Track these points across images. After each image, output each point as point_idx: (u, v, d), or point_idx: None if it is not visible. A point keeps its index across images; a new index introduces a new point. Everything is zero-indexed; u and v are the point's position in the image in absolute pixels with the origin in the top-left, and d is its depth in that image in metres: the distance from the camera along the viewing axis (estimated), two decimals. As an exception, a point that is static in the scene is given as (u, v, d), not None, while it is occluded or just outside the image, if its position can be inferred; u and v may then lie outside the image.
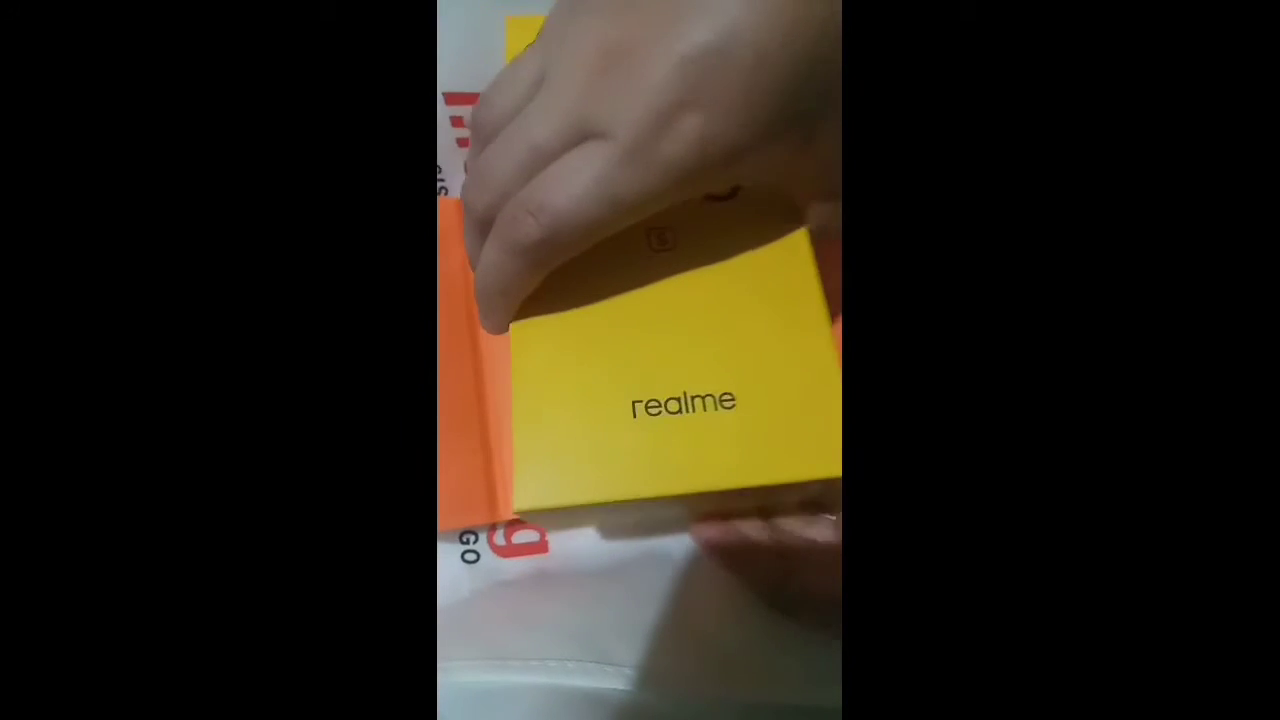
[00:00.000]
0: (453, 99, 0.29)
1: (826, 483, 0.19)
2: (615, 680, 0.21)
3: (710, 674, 0.21)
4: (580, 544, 0.25)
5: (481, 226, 0.20)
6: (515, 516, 0.24)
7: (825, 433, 0.19)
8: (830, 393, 0.19)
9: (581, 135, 0.17)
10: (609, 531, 0.25)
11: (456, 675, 0.21)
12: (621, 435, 0.19)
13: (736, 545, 0.23)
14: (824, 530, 0.23)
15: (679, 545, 0.25)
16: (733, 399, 0.19)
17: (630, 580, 0.24)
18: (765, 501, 0.23)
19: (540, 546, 0.26)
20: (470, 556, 0.25)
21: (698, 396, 0.19)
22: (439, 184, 0.29)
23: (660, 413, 0.19)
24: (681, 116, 0.16)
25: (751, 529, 0.23)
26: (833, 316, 0.21)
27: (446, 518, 0.24)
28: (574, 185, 0.17)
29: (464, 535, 0.25)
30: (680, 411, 0.19)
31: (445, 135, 0.29)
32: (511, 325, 0.21)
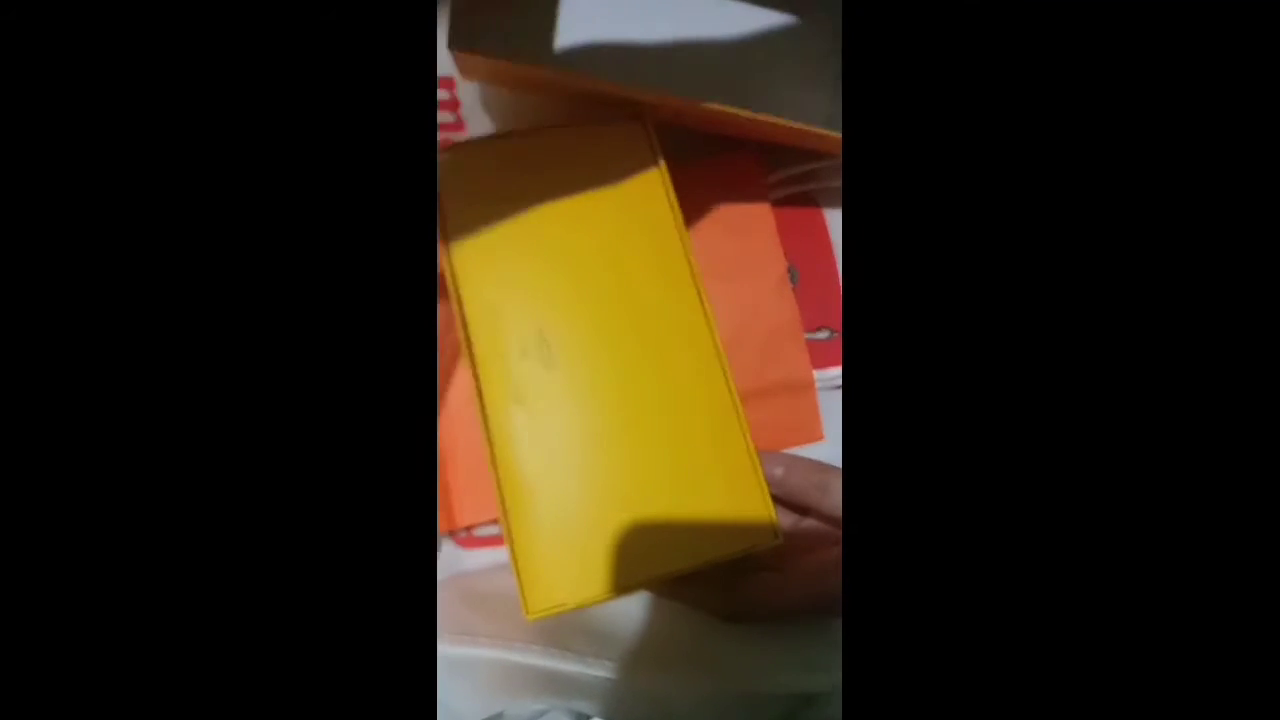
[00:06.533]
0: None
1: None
2: (577, 665, 0.22)
3: (673, 665, 0.22)
4: None
5: None
6: (469, 523, 0.25)
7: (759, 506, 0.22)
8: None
9: None
10: None
11: None
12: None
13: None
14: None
15: None
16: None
17: None
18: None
19: (501, 539, 0.26)
20: (431, 547, 0.25)
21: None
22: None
23: None
24: None
25: None
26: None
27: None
28: None
29: (425, 525, 0.25)
30: None
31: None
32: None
